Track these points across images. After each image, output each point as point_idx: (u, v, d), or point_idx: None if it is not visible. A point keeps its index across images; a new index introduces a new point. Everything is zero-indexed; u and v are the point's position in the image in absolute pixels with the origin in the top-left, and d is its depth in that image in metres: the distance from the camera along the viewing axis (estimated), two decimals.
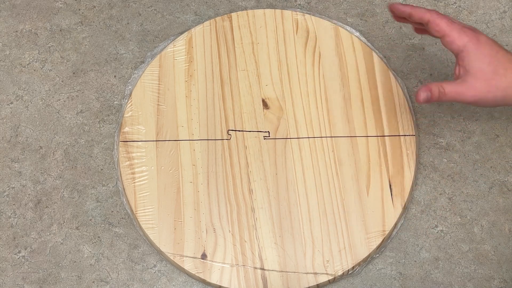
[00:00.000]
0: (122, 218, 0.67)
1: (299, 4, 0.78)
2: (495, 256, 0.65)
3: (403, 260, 0.65)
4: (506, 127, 0.71)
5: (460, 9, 0.78)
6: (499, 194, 0.68)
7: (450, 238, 0.66)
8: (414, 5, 0.61)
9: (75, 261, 0.66)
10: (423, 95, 0.57)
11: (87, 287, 0.65)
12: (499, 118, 0.71)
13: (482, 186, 0.69)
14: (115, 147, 0.69)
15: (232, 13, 0.76)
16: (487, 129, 0.71)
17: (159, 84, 0.72)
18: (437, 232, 0.67)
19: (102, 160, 0.70)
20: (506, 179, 0.69)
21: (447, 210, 0.67)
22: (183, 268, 0.64)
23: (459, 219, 0.67)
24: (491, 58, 0.55)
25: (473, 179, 0.69)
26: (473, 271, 0.65)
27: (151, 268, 0.65)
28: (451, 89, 0.56)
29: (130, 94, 0.72)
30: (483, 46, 0.56)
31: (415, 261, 0.65)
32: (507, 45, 0.75)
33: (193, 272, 0.63)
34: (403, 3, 0.70)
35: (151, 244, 0.66)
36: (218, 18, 0.75)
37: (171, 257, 0.64)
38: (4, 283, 0.65)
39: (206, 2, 0.79)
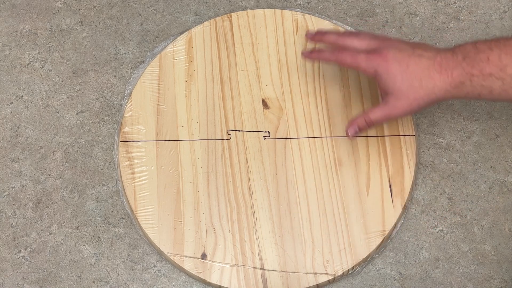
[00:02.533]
0: (122, 218, 0.67)
1: (299, 4, 0.78)
2: (495, 256, 0.65)
3: (403, 260, 0.65)
4: (506, 127, 0.71)
5: (460, 9, 0.78)
6: (499, 194, 0.68)
7: (450, 238, 0.66)
8: (320, 31, 0.66)
9: (75, 261, 0.66)
10: (351, 132, 0.61)
11: (87, 287, 0.65)
12: (499, 118, 0.72)
13: (482, 186, 0.69)
14: (115, 147, 0.69)
15: (232, 13, 0.76)
16: (487, 129, 0.71)
17: (159, 84, 0.72)
18: (437, 232, 0.67)
19: (102, 160, 0.70)
20: (506, 179, 0.69)
21: (447, 210, 0.68)
22: (183, 268, 0.64)
23: (459, 219, 0.67)
24: (403, 74, 0.56)
25: (473, 179, 0.69)
26: (473, 271, 0.65)
27: (151, 268, 0.65)
28: (377, 114, 0.59)
29: (130, 94, 0.72)
30: (392, 66, 0.57)
31: (415, 261, 0.65)
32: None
33: (193, 272, 0.63)
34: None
35: (151, 244, 0.66)
36: (218, 18, 0.75)
37: (171, 257, 0.64)
38: (4, 283, 0.65)
39: (206, 2, 0.79)
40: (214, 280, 0.63)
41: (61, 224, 0.67)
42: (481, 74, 0.55)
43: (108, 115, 0.72)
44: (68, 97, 0.73)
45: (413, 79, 0.56)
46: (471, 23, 0.77)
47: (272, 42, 0.74)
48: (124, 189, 0.67)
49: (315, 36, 0.65)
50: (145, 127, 0.70)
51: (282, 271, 0.63)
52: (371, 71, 0.58)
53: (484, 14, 0.77)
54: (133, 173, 0.68)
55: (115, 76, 0.74)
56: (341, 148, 0.68)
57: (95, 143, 0.71)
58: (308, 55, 0.66)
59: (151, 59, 0.74)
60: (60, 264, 0.66)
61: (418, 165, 0.69)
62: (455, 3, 0.78)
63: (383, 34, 0.64)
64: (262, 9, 0.76)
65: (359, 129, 0.60)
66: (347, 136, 0.61)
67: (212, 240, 0.65)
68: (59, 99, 0.73)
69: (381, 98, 0.61)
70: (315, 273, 0.63)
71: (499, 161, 0.70)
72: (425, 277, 0.65)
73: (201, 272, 0.63)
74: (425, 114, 0.72)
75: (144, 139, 0.69)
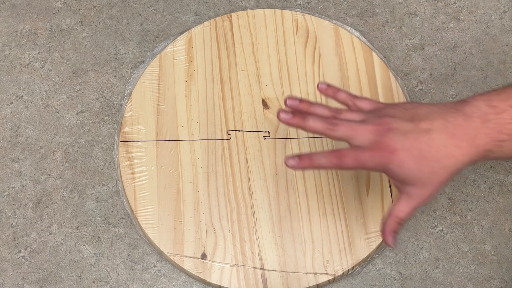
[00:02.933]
0: (122, 218, 0.67)
1: (299, 4, 0.78)
2: (495, 256, 0.65)
3: (403, 260, 0.65)
4: None
5: (460, 9, 0.78)
6: (499, 194, 0.68)
7: (450, 238, 0.66)
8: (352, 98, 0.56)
9: (75, 261, 0.66)
10: (392, 241, 0.52)
11: (87, 287, 0.65)
12: None
13: (482, 186, 0.69)
14: (115, 147, 0.69)
15: (232, 13, 0.76)
16: None
17: (159, 84, 0.72)
18: (437, 232, 0.67)
19: (102, 160, 0.70)
20: (506, 179, 0.69)
21: (447, 210, 0.67)
22: (183, 268, 0.64)
23: (459, 219, 0.67)
24: (419, 163, 0.48)
25: (473, 179, 0.69)
26: (473, 271, 0.65)
27: (151, 268, 0.65)
28: (405, 211, 0.51)
29: (130, 94, 0.72)
30: (403, 158, 0.48)
31: (415, 261, 0.65)
32: (507, 45, 0.75)
33: (193, 272, 0.63)
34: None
35: (151, 244, 0.66)
36: (218, 18, 0.75)
37: (171, 257, 0.64)
38: (4, 283, 0.65)
39: (206, 2, 0.79)
40: (214, 280, 0.63)
41: (61, 224, 0.67)
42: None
43: (108, 115, 0.72)
44: (68, 97, 0.73)
45: (432, 163, 0.48)
46: (471, 23, 0.77)
47: (272, 42, 0.74)
48: (124, 189, 0.67)
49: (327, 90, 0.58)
50: (145, 127, 0.70)
51: (282, 271, 0.63)
52: (379, 169, 0.49)
53: (484, 14, 0.77)
54: (133, 173, 0.68)
55: (115, 76, 0.74)
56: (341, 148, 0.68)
57: (95, 143, 0.71)
58: (292, 161, 0.52)
59: (151, 59, 0.74)
60: (60, 264, 0.66)
61: None
62: (455, 3, 0.78)
63: (365, 99, 0.56)
64: (262, 9, 0.76)
65: (395, 232, 0.52)
66: (389, 245, 0.52)
67: (212, 240, 0.65)
68: (59, 99, 0.73)
69: (395, 187, 0.53)
70: (315, 273, 0.63)
71: (499, 161, 0.69)
72: (425, 277, 0.65)
73: (201, 272, 0.63)
74: None
75: (144, 139, 0.69)
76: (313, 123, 0.51)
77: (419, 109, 0.50)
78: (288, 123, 0.52)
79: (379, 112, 0.51)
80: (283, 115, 0.52)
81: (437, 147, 0.47)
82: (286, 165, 0.51)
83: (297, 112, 0.53)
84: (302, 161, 0.51)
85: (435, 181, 0.48)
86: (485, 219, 0.67)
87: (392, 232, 0.52)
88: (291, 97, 0.55)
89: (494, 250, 0.66)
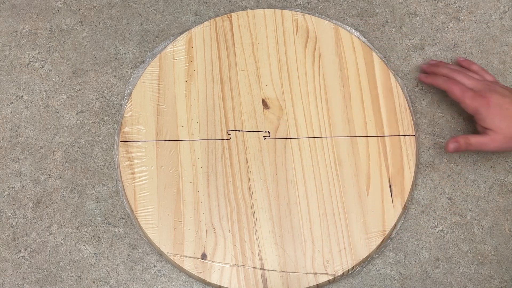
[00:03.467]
0: (122, 218, 0.67)
1: (299, 4, 0.78)
2: (495, 256, 0.65)
3: (403, 260, 0.65)
4: None
5: (460, 9, 0.78)
6: (499, 194, 0.68)
7: (450, 238, 0.66)
8: (435, 61, 0.73)
9: (75, 261, 0.66)
10: (451, 146, 0.66)
11: (87, 287, 0.65)
12: None
13: (482, 186, 0.68)
14: (115, 147, 0.69)
15: (232, 13, 0.76)
16: None
17: (159, 84, 0.72)
18: (437, 232, 0.67)
19: (102, 160, 0.70)
20: (506, 179, 0.69)
21: (447, 210, 0.67)
22: (183, 268, 0.64)
23: (459, 219, 0.67)
24: (502, 116, 0.64)
25: (473, 179, 0.69)
26: (473, 271, 0.65)
27: (151, 268, 0.65)
28: (475, 140, 0.65)
29: (130, 94, 0.72)
30: (493, 109, 0.64)
31: (415, 261, 0.65)
32: (507, 45, 0.75)
33: (193, 272, 0.63)
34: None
35: (151, 244, 0.66)
36: (218, 18, 0.75)
37: (171, 257, 0.64)
38: (4, 283, 0.65)
39: (206, 2, 0.79)
40: (214, 280, 0.63)
41: (61, 224, 0.67)
42: None
43: (108, 115, 0.72)
44: (68, 97, 0.73)
45: (510, 121, 0.64)
46: (471, 23, 0.77)
47: (272, 42, 0.74)
48: (124, 189, 0.67)
49: (430, 67, 0.72)
50: (145, 127, 0.70)
51: (282, 271, 0.63)
52: (473, 109, 0.66)
53: (484, 14, 0.77)
54: (133, 173, 0.68)
55: (115, 76, 0.74)
56: (341, 148, 0.68)
57: (95, 143, 0.71)
58: (424, 78, 0.71)
59: (151, 59, 0.74)
60: (60, 264, 0.66)
61: (418, 165, 0.69)
62: (455, 3, 0.78)
63: (490, 75, 0.70)
64: (262, 9, 0.76)
65: (459, 145, 0.66)
66: (446, 149, 0.67)
67: (212, 240, 0.65)
68: (59, 99, 0.73)
69: (478, 130, 0.67)
70: (315, 273, 0.63)
71: (499, 161, 0.69)
72: (425, 277, 0.65)
73: (201, 272, 0.63)
74: (425, 114, 0.72)
75: (144, 139, 0.69)
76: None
77: None
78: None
79: (491, 82, 0.69)
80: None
81: None
82: (420, 77, 0.72)
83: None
84: (428, 78, 0.72)
85: (507, 134, 0.64)
86: (485, 219, 0.67)
87: (456, 142, 0.66)
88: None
89: (494, 250, 0.66)
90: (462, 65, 0.73)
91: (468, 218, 0.67)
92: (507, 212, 0.67)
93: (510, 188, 0.68)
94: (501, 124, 0.64)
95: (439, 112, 0.72)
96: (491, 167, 0.69)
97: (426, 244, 0.66)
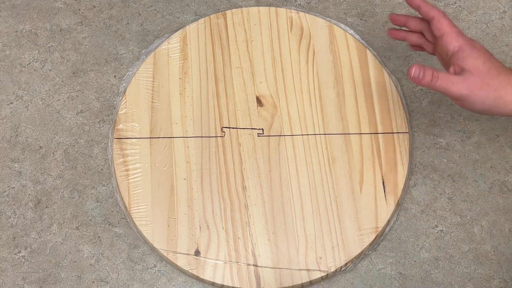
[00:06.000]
0: (122, 218, 0.67)
1: (299, 4, 0.78)
2: (495, 256, 0.65)
3: (403, 260, 0.65)
4: (506, 127, 0.71)
5: (460, 9, 0.78)
6: (499, 194, 0.68)
7: (450, 238, 0.66)
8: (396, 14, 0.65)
9: (75, 261, 0.66)
10: (415, 71, 0.57)
11: (87, 287, 0.65)
12: (499, 118, 0.71)
13: (482, 186, 0.69)
14: (109, 144, 0.70)
15: (226, 11, 0.76)
16: (487, 129, 0.71)
17: (153, 81, 0.72)
18: (437, 232, 0.67)
19: (102, 160, 0.70)
20: (506, 179, 0.69)
21: (447, 210, 0.67)
22: (176, 265, 0.64)
23: (459, 219, 0.67)
24: (485, 59, 0.58)
25: (473, 179, 0.69)
26: (473, 271, 0.65)
27: (151, 268, 0.65)
28: (444, 76, 0.57)
29: (124, 92, 0.72)
30: (478, 50, 0.59)
31: (415, 261, 0.65)
32: (507, 45, 0.75)
33: (186, 269, 0.63)
34: (405, 13, 0.70)
35: (144, 241, 0.66)
36: (212, 16, 0.75)
37: (165, 254, 0.64)
38: (4, 283, 0.65)
39: (206, 2, 0.79)
40: (207, 276, 0.63)
41: (61, 224, 0.67)
42: None
43: (108, 115, 0.72)
44: (68, 97, 0.73)
45: (493, 67, 0.58)
46: (471, 23, 0.77)
47: (267, 39, 0.74)
48: (118, 186, 0.67)
49: (398, 16, 0.65)
50: (139, 124, 0.70)
51: (275, 268, 0.63)
52: (456, 44, 0.59)
53: (484, 14, 0.77)
54: (127, 170, 0.68)
55: (115, 76, 0.74)
56: (334, 146, 0.68)
57: (95, 143, 0.71)
58: (396, 32, 0.65)
59: (146, 56, 0.74)
60: (60, 264, 0.66)
61: (418, 165, 0.69)
62: (455, 3, 0.78)
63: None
64: (257, 7, 0.76)
65: (424, 75, 0.57)
66: (408, 75, 0.58)
67: (205, 237, 0.65)
68: (59, 99, 0.73)
69: (454, 68, 0.60)
70: (308, 270, 0.63)
71: (499, 161, 0.70)
72: (425, 277, 0.65)
73: (194, 269, 0.63)
74: (425, 114, 0.72)
75: (138, 136, 0.69)
76: None
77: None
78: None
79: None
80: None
81: (501, 67, 0.59)
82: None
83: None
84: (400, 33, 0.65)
85: (485, 79, 0.57)
86: (485, 219, 0.67)
87: (421, 70, 0.57)
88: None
89: (494, 250, 0.66)
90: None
91: (468, 218, 0.67)
92: (507, 212, 0.67)
93: (510, 188, 0.68)
94: (482, 66, 0.57)
95: (439, 112, 0.72)
96: (491, 167, 0.69)
97: (426, 244, 0.66)
